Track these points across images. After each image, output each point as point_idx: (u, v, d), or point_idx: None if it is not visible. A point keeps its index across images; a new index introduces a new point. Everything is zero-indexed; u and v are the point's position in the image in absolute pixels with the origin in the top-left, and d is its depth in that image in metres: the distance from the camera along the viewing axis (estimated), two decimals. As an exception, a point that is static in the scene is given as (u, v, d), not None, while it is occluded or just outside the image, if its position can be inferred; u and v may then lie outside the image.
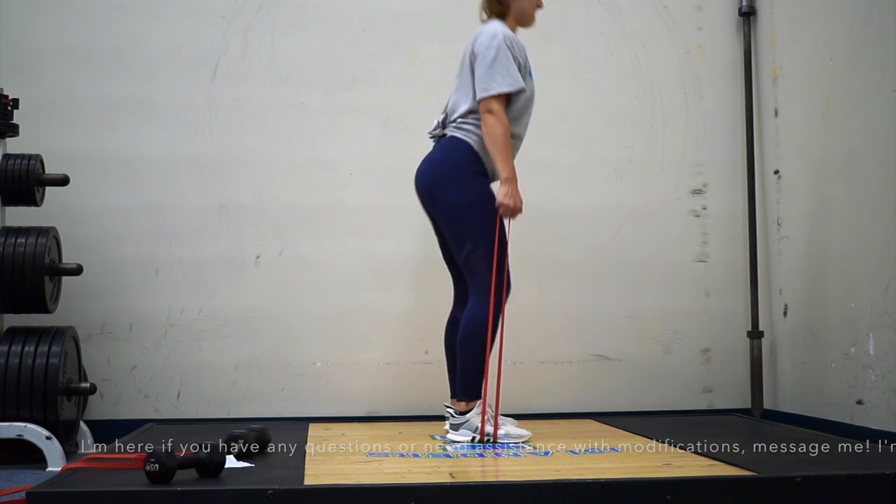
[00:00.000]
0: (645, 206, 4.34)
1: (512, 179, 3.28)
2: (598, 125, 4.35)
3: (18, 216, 3.89)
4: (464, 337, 3.32)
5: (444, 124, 3.47)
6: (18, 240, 3.65)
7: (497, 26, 3.36)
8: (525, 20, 3.48)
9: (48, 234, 3.71)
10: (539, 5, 3.49)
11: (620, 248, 4.33)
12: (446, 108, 3.49)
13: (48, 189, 3.91)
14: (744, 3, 4.36)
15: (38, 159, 3.79)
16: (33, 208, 3.87)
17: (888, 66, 3.39)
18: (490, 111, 3.27)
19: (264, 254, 4.19)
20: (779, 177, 4.20)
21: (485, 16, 3.48)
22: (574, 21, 4.36)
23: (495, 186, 3.40)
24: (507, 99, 3.31)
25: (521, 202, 3.30)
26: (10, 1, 4.13)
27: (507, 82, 3.28)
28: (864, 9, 3.55)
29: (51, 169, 3.88)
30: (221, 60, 4.21)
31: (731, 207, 4.37)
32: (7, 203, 3.78)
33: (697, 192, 4.38)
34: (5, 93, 3.77)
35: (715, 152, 4.38)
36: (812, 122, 3.92)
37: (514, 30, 3.44)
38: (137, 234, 4.13)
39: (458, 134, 3.39)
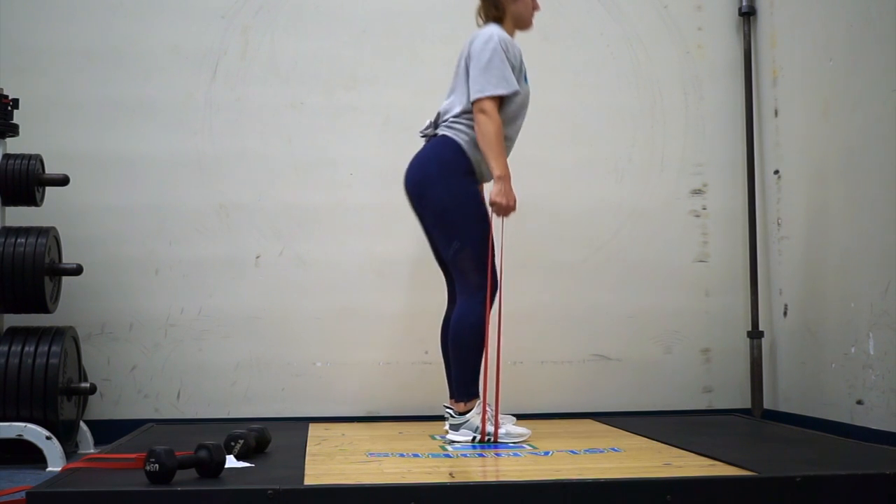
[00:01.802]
0: (645, 206, 4.34)
1: (505, 177, 3.27)
2: (598, 125, 4.35)
3: (18, 216, 3.89)
4: (455, 338, 3.33)
5: (435, 124, 3.47)
6: (18, 240, 3.65)
7: (493, 29, 3.36)
8: (522, 24, 3.49)
9: (48, 234, 3.71)
10: (536, 8, 3.50)
11: (620, 248, 4.33)
12: (442, 107, 3.48)
13: (48, 189, 3.91)
14: (744, 3, 4.36)
15: (38, 159, 3.78)
16: (33, 208, 3.87)
17: (888, 66, 3.39)
18: (483, 111, 3.27)
19: (264, 254, 4.19)
20: (779, 177, 4.20)
21: (481, 21, 3.48)
22: (574, 21, 4.36)
23: (486, 188, 3.39)
24: (501, 101, 3.31)
25: (515, 200, 3.29)
26: (10, 1, 4.13)
27: (501, 85, 3.28)
28: (863, 9, 3.55)
29: (51, 169, 3.88)
30: (221, 60, 4.21)
31: (731, 207, 4.37)
32: (7, 203, 3.78)
33: (697, 192, 4.38)
34: (5, 93, 3.77)
35: (715, 152, 4.39)
36: (812, 122, 3.92)
37: (511, 34, 3.44)
38: (137, 234, 4.13)
39: (448, 133, 3.39)
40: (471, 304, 3.30)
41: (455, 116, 3.39)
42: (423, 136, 3.52)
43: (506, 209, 3.29)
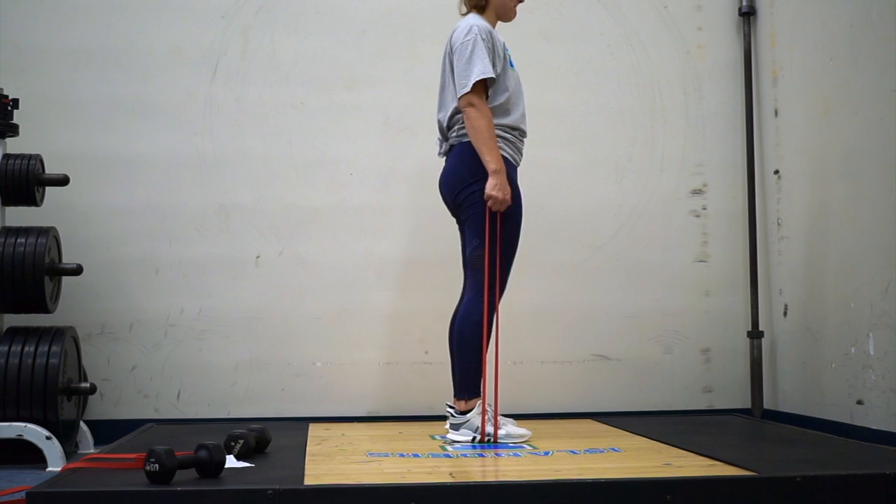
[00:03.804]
0: (645, 206, 4.34)
1: (500, 171, 3.26)
2: (598, 125, 4.35)
3: (18, 216, 3.89)
4: (459, 335, 3.33)
5: (445, 136, 3.47)
6: (18, 240, 3.65)
7: (472, 19, 3.36)
8: (505, 14, 3.49)
9: (48, 234, 3.71)
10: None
11: (620, 248, 4.33)
12: (439, 117, 3.47)
13: (48, 189, 3.91)
14: (744, 3, 4.36)
15: (38, 159, 3.78)
16: (33, 208, 3.87)
17: (888, 66, 3.39)
18: (471, 104, 3.27)
19: (264, 254, 4.19)
20: (779, 177, 4.20)
21: (464, 9, 3.48)
22: (574, 21, 4.36)
23: (522, 171, 3.43)
24: (487, 93, 3.31)
25: (510, 193, 3.28)
26: (10, 1, 4.13)
27: (479, 71, 3.26)
28: (864, 9, 3.55)
29: (51, 169, 3.88)
30: (221, 60, 4.21)
31: (731, 207, 4.37)
32: (7, 203, 3.78)
33: (697, 192, 4.38)
34: (5, 93, 3.77)
35: (715, 152, 4.39)
36: (812, 122, 3.92)
37: (493, 23, 3.44)
38: (137, 234, 4.13)
39: (463, 139, 3.39)
40: (476, 303, 3.31)
41: (457, 122, 3.39)
42: (441, 156, 3.53)
43: (502, 202, 3.27)
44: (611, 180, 4.34)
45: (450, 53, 3.38)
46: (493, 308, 3.31)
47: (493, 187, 3.25)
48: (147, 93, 4.16)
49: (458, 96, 3.31)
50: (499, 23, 3.49)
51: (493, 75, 3.29)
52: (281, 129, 4.22)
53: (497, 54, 3.33)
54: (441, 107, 3.47)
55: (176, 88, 4.18)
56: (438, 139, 3.52)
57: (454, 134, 3.41)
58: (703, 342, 4.34)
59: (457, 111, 3.37)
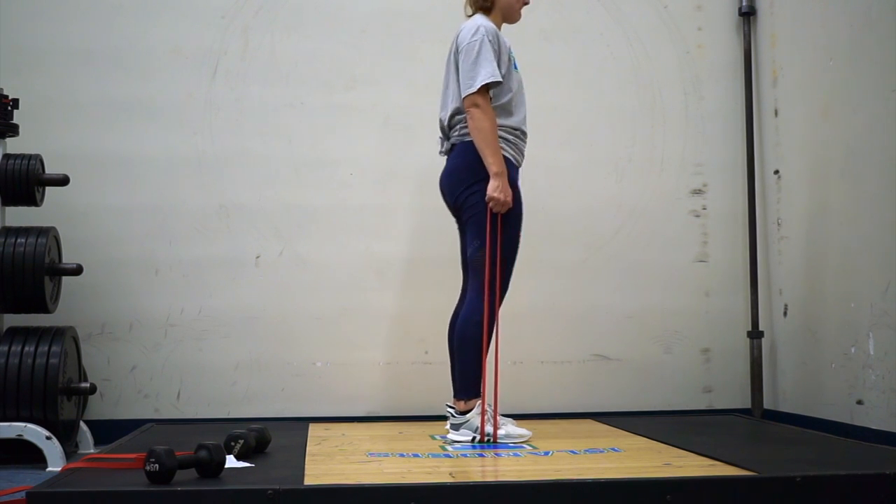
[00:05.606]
0: (645, 206, 4.34)
1: (502, 173, 3.28)
2: (598, 125, 4.35)
3: (18, 216, 3.89)
4: (460, 335, 3.33)
5: (447, 135, 3.47)
6: (18, 240, 3.65)
7: (479, 20, 3.37)
8: (511, 16, 3.50)
9: (48, 234, 3.71)
10: (525, 1, 3.50)
11: (620, 248, 4.33)
12: (441, 116, 3.49)
13: (48, 189, 3.91)
14: (744, 3, 4.36)
15: (38, 159, 3.78)
16: (33, 208, 3.87)
17: (888, 66, 3.39)
18: (475, 105, 3.28)
19: (264, 254, 4.19)
20: (779, 177, 4.20)
21: (469, 10, 3.49)
22: (574, 21, 4.36)
23: (523, 172, 3.45)
24: (492, 94, 3.32)
25: (511, 195, 3.29)
26: (10, 1, 4.13)
27: (487, 73, 3.28)
28: (864, 9, 3.55)
29: (51, 169, 3.88)
30: (221, 60, 4.21)
31: (731, 207, 4.37)
32: (7, 203, 3.78)
33: (697, 192, 4.38)
34: (5, 93, 3.77)
35: (715, 152, 4.39)
36: (812, 122, 3.92)
37: (499, 25, 3.45)
38: (137, 234, 4.13)
39: (465, 138, 3.39)
40: (478, 303, 3.31)
41: (459, 121, 3.39)
42: (442, 154, 3.53)
43: (503, 204, 3.29)
44: (611, 180, 4.34)
45: (455, 53, 3.38)
46: (494, 309, 3.31)
47: (495, 189, 3.26)
48: (147, 93, 4.17)
49: (463, 96, 3.31)
50: (503, 24, 3.50)
51: (500, 79, 3.30)
52: (281, 129, 4.22)
53: (503, 56, 3.34)
54: (443, 106, 3.48)
55: (176, 88, 4.18)
56: (440, 138, 3.53)
57: (455, 133, 3.42)
58: (703, 342, 4.34)
59: (458, 111, 3.38)
